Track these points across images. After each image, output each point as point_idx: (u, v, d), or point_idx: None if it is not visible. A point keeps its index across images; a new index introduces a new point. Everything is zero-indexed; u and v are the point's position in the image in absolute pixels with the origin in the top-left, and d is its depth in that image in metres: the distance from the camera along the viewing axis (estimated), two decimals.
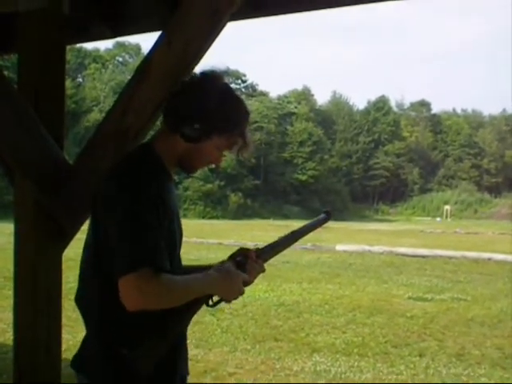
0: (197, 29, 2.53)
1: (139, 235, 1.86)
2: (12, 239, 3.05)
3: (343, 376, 6.63)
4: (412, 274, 15.20)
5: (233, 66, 64.78)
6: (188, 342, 2.21)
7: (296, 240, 2.42)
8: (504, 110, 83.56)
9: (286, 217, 53.00)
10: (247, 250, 2.20)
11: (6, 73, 3.02)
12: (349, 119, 78.18)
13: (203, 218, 51.26)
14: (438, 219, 60.10)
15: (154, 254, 1.86)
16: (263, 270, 2.19)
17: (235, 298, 2.06)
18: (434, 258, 18.64)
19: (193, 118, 2.00)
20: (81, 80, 58.32)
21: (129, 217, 1.87)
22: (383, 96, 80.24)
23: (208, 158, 2.12)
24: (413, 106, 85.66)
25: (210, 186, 55.81)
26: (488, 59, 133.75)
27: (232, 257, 2.19)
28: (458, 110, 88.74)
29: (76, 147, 30.97)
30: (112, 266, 1.90)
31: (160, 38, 2.66)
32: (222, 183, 57.21)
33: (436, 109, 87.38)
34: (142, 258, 1.83)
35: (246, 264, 2.13)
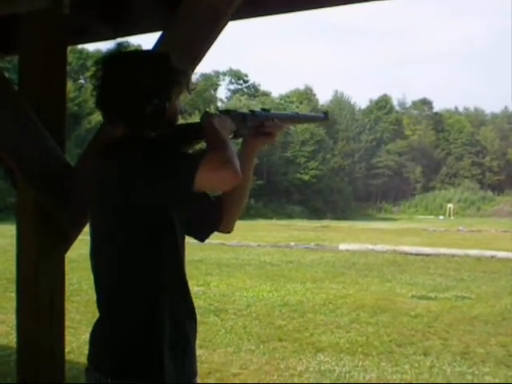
0: (197, 29, 2.52)
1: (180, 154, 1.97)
2: (14, 241, 3.04)
3: (347, 375, 6.62)
4: (415, 272, 15.18)
5: (235, 65, 64.84)
6: None
7: (295, 120, 2.56)
8: (506, 108, 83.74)
9: (289, 216, 52.96)
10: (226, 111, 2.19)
11: (6, 74, 3.01)
12: (351, 118, 78.15)
13: None
14: (441, 217, 60.02)
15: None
16: (281, 127, 2.30)
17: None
18: (438, 257, 18.61)
19: (147, 97, 1.98)
20: (83, 81, 58.26)
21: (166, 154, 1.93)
22: (385, 95, 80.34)
23: (177, 113, 2.10)
24: (415, 104, 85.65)
25: None
26: (490, 58, 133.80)
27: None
28: (460, 109, 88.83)
29: (78, 149, 30.96)
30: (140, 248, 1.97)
31: (161, 37, 2.65)
32: None
33: (438, 107, 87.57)
34: (195, 155, 1.96)
35: (265, 124, 2.22)
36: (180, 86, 2.08)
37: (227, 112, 2.14)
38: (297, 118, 2.54)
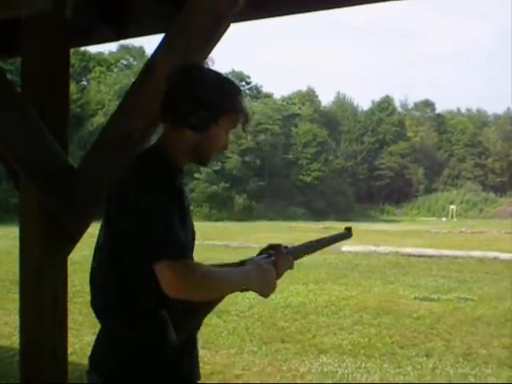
0: (199, 31, 2.53)
1: (166, 224, 1.85)
2: (17, 243, 3.05)
3: (350, 377, 6.62)
4: (418, 274, 15.16)
5: (237, 67, 64.75)
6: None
7: (320, 248, 2.50)
8: (508, 110, 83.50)
9: (291, 218, 52.92)
10: (278, 245, 2.21)
11: (9, 76, 3.02)
12: (353, 120, 78.14)
13: (209, 220, 51.21)
14: (444, 219, 59.94)
15: (182, 243, 1.86)
16: (291, 267, 2.22)
17: (271, 293, 2.09)
18: (440, 258, 18.59)
19: (197, 106, 2.00)
20: (85, 83, 58.29)
21: (152, 207, 1.86)
22: (387, 96, 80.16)
23: (218, 143, 2.11)
24: (417, 106, 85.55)
25: (215, 187, 55.81)
26: (492, 59, 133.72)
27: (262, 252, 2.21)
28: (463, 110, 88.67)
29: (81, 151, 31.00)
30: (128, 262, 1.93)
31: (163, 40, 2.66)
32: (227, 185, 57.18)
33: (440, 108, 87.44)
34: (175, 244, 1.84)
35: (276, 257, 2.15)
36: (234, 118, 2.09)
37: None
38: (320, 245, 2.50)
